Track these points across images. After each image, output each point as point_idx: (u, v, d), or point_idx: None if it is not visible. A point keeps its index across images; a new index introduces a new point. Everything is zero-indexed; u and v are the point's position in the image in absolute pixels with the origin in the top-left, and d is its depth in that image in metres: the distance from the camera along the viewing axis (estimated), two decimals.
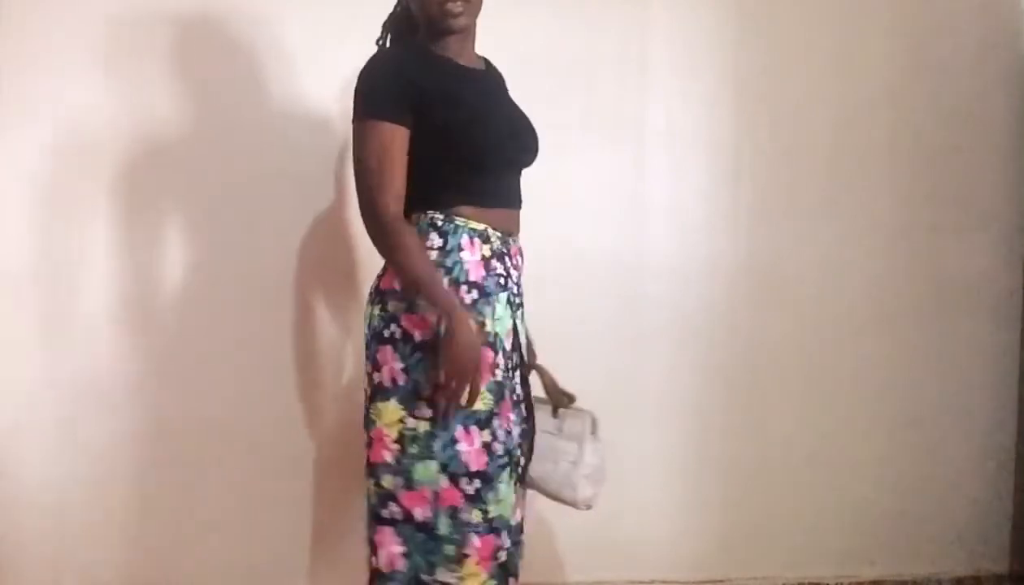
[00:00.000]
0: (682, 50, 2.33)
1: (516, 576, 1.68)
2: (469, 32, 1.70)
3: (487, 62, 1.82)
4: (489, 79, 1.78)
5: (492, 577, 1.61)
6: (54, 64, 2.12)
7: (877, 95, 2.38)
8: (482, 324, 1.59)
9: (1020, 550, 2.45)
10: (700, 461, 2.41)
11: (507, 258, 1.66)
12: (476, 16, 1.69)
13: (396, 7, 1.77)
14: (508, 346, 1.65)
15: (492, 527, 1.60)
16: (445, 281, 1.58)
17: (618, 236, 2.34)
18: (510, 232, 1.69)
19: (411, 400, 1.57)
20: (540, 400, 1.83)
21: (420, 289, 1.56)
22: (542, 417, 1.80)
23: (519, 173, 1.74)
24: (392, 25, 1.76)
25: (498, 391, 1.61)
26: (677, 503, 2.41)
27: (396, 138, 1.56)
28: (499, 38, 2.24)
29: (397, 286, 1.60)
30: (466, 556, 1.59)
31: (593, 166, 2.32)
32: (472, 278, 1.60)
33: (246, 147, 2.19)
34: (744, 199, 2.37)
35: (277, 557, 2.27)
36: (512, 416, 1.64)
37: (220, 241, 2.20)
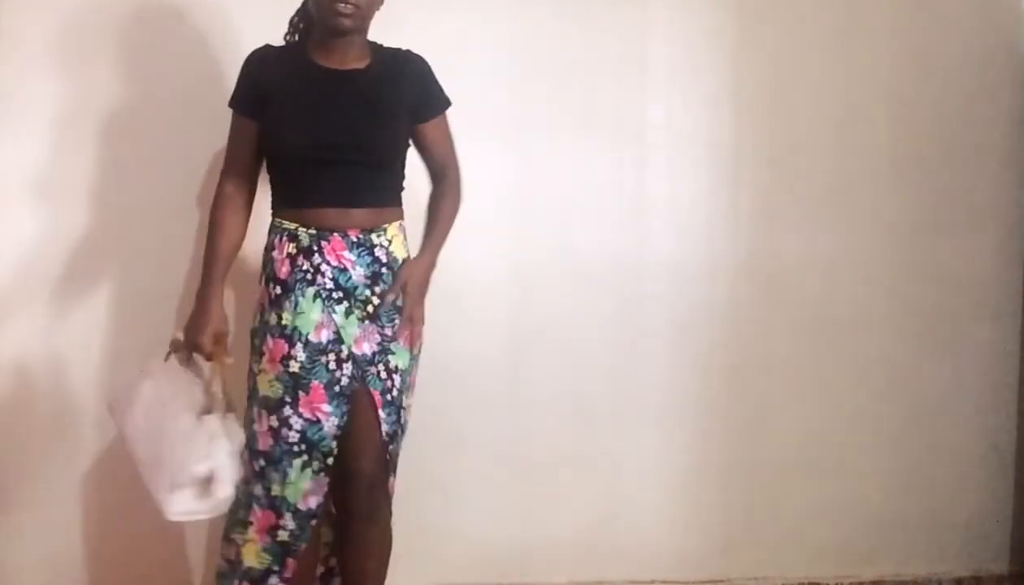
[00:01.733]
0: (682, 50, 2.33)
1: (295, 557, 1.76)
2: (355, 36, 1.77)
3: (388, 58, 1.82)
4: (347, 79, 1.78)
5: (266, 551, 1.75)
6: (54, 63, 2.12)
7: (877, 95, 2.38)
8: (279, 318, 1.73)
9: (1020, 550, 2.44)
10: (700, 461, 2.40)
11: (318, 254, 1.73)
12: (365, 23, 1.77)
13: (302, 4, 1.85)
14: (319, 339, 1.72)
15: (273, 504, 1.73)
16: (263, 278, 1.78)
17: (618, 236, 2.34)
18: (330, 228, 1.74)
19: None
20: None
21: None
22: None
23: (347, 170, 1.76)
24: (297, 22, 1.87)
25: (292, 382, 1.71)
26: (677, 503, 2.41)
27: (242, 128, 1.79)
28: (499, 38, 2.26)
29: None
30: (249, 523, 1.75)
31: (593, 166, 2.32)
32: (279, 275, 1.75)
33: None
34: (744, 199, 2.37)
35: None
36: (327, 407, 1.71)
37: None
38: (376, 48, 1.83)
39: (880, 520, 2.44)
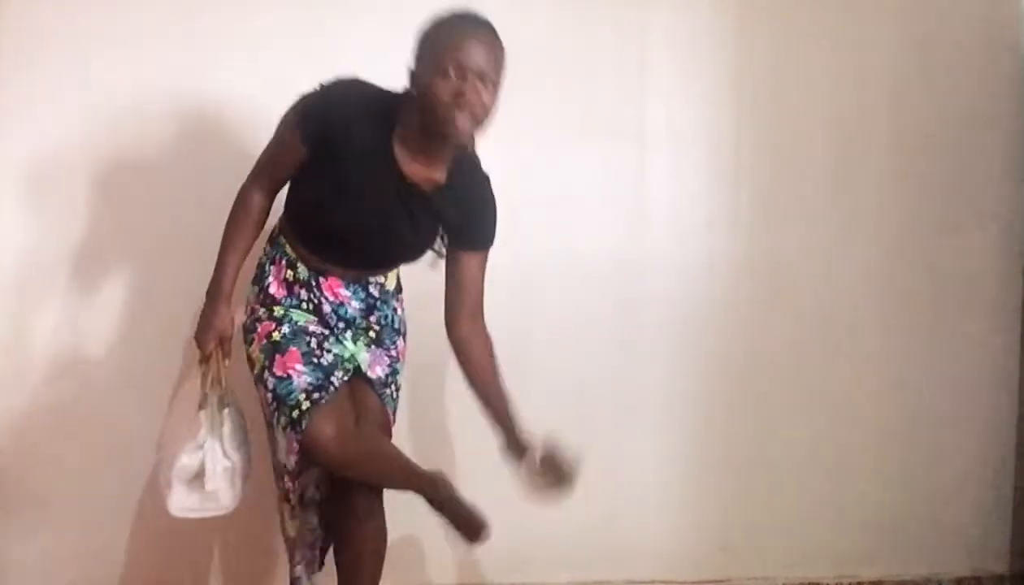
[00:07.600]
0: (682, 50, 2.33)
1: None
2: (451, 150, 1.65)
3: (465, 176, 1.70)
4: (417, 199, 1.67)
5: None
6: (52, 65, 2.12)
7: (877, 95, 2.38)
8: (270, 311, 1.74)
9: (1020, 550, 2.45)
10: (700, 461, 2.41)
11: (316, 289, 1.75)
12: (475, 140, 1.69)
13: (411, 75, 1.62)
14: (311, 329, 1.73)
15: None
16: (255, 280, 1.78)
17: (618, 236, 2.34)
18: (328, 277, 1.76)
19: None
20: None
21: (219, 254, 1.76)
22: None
23: (369, 257, 1.77)
24: (409, 90, 1.63)
25: (271, 349, 1.70)
26: (677, 503, 2.41)
27: (291, 148, 1.67)
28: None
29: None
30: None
31: (593, 166, 2.32)
32: (271, 291, 1.76)
33: (242, 152, 2.18)
34: (744, 199, 2.37)
35: (281, 558, 2.28)
36: (300, 367, 1.67)
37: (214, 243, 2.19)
38: (460, 157, 1.69)
39: (880, 520, 2.44)
